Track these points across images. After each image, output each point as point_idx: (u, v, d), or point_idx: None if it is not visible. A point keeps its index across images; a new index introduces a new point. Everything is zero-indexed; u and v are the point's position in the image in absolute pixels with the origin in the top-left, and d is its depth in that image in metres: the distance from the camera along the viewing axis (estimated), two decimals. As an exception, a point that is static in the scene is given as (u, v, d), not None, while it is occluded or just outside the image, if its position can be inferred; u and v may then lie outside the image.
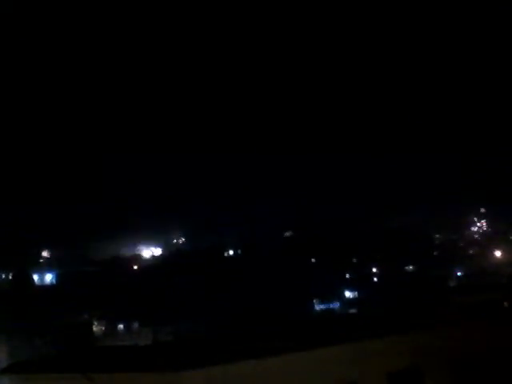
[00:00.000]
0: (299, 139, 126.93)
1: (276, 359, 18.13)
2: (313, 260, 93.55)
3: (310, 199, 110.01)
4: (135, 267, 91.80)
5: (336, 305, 70.73)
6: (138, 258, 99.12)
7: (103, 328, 65.83)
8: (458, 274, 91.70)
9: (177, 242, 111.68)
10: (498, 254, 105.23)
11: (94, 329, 64.96)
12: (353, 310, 61.63)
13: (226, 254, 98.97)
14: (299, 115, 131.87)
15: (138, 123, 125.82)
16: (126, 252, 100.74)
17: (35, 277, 77.88)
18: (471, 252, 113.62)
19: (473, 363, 22.46)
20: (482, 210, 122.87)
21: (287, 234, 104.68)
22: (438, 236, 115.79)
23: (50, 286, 78.06)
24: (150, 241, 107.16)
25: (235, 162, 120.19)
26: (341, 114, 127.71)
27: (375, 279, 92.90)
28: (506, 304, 29.08)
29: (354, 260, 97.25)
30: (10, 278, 74.10)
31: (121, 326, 67.73)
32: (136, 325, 65.80)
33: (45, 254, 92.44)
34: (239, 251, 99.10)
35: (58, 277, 79.47)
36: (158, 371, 16.82)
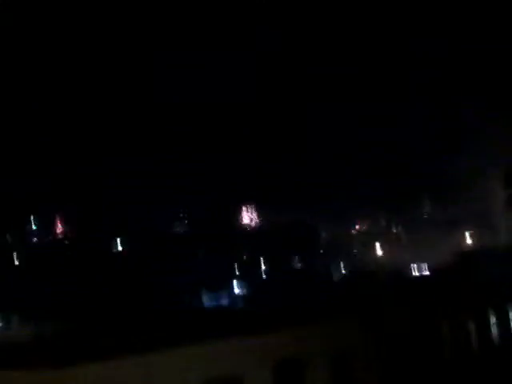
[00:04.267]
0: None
1: (160, 354, 18.07)
2: (201, 255, 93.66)
3: (202, 194, 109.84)
4: (15, 256, 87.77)
5: (224, 300, 71.37)
6: (18, 247, 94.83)
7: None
8: (342, 270, 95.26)
9: (59, 230, 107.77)
10: (379, 251, 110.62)
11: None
12: (241, 305, 62.35)
13: (112, 246, 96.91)
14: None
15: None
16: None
17: None
18: (354, 249, 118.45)
19: (351, 356, 23.53)
20: (367, 207, 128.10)
21: (176, 228, 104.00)
22: (323, 233, 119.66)
23: None
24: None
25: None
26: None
27: (264, 276, 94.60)
28: (384, 300, 30.58)
29: (244, 257, 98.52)
30: None
31: (-1, 323, 64.70)
32: (16, 320, 63.09)
33: None
34: (126, 243, 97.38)
35: None
36: (39, 369, 16.25)
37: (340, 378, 22.97)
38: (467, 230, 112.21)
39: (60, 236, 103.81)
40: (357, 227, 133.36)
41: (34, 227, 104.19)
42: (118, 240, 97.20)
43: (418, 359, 26.57)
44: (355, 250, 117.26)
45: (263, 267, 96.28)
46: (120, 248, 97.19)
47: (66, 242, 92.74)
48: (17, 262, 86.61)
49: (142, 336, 19.22)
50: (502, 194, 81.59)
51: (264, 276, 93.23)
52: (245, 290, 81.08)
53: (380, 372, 24.35)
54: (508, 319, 33.58)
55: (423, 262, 73.43)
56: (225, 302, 68.66)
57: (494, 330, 32.43)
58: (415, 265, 72.85)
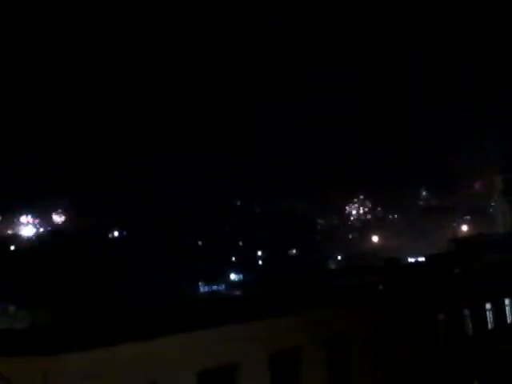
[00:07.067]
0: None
1: (162, 340, 18.05)
2: (199, 243, 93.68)
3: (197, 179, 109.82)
4: (12, 247, 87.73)
5: (221, 287, 71.51)
6: (16, 238, 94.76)
7: (-24, 311, 62.42)
8: (339, 257, 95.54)
9: (57, 220, 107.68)
10: (375, 239, 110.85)
11: (-34, 312, 61.47)
12: (237, 292, 62.42)
13: (110, 235, 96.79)
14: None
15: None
16: (3, 230, 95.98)
17: None
18: (351, 237, 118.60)
19: (348, 342, 23.58)
20: (362, 196, 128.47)
21: (174, 215, 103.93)
22: (320, 221, 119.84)
23: None
24: (30, 217, 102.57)
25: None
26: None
27: (260, 262, 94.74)
28: (380, 287, 30.63)
29: (240, 243, 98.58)
30: None
31: (-5, 309, 64.52)
32: (12, 307, 62.98)
33: None
34: (124, 232, 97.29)
35: None
36: (37, 355, 16.17)
37: (336, 364, 23.01)
38: (463, 216, 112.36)
39: (58, 224, 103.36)
40: (353, 215, 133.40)
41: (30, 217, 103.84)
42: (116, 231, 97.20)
43: (414, 344, 26.70)
44: (350, 236, 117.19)
45: (259, 254, 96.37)
46: (116, 234, 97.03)
47: (65, 231, 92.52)
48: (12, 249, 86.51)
49: (135, 324, 19.18)
50: (497, 180, 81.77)
51: (260, 262, 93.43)
52: (241, 277, 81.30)
53: (376, 356, 24.44)
54: (503, 305, 33.71)
55: (419, 248, 73.68)
56: (221, 287, 68.84)
57: (489, 316, 32.56)
58: (411, 251, 73.05)
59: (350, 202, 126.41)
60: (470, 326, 31.20)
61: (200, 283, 70.60)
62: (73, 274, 66.75)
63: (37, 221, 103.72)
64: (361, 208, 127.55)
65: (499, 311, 33.21)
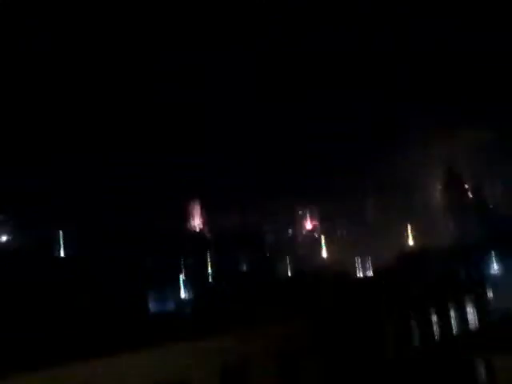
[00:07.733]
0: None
1: (111, 359, 17.90)
2: (149, 261, 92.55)
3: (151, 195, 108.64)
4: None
5: (171, 305, 70.93)
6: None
7: None
8: (289, 273, 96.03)
9: None
10: (324, 254, 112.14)
11: None
12: (187, 310, 62.09)
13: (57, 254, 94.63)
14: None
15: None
16: None
17: None
18: (301, 252, 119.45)
19: (297, 355, 23.85)
20: (312, 208, 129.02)
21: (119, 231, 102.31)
22: (270, 237, 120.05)
23: None
24: None
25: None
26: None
27: (210, 279, 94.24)
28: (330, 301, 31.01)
29: (190, 261, 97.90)
30: None
31: None
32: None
33: None
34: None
35: None
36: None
37: (285, 377, 23.18)
38: (409, 230, 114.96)
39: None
40: (303, 230, 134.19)
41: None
42: (62, 242, 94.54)
43: (363, 357, 27.09)
44: (299, 252, 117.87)
45: (210, 271, 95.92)
46: (63, 251, 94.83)
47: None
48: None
49: (88, 341, 18.96)
50: (442, 195, 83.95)
51: (210, 279, 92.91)
52: (191, 294, 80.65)
53: (326, 370, 24.72)
54: (449, 317, 34.63)
55: (366, 262, 74.90)
56: (171, 306, 68.18)
57: (436, 328, 33.38)
58: (359, 266, 74.13)
59: (298, 216, 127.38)
60: (417, 335, 31.92)
61: (149, 301, 69.75)
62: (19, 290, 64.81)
63: None
64: (309, 222, 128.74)
65: (444, 320, 34.07)
